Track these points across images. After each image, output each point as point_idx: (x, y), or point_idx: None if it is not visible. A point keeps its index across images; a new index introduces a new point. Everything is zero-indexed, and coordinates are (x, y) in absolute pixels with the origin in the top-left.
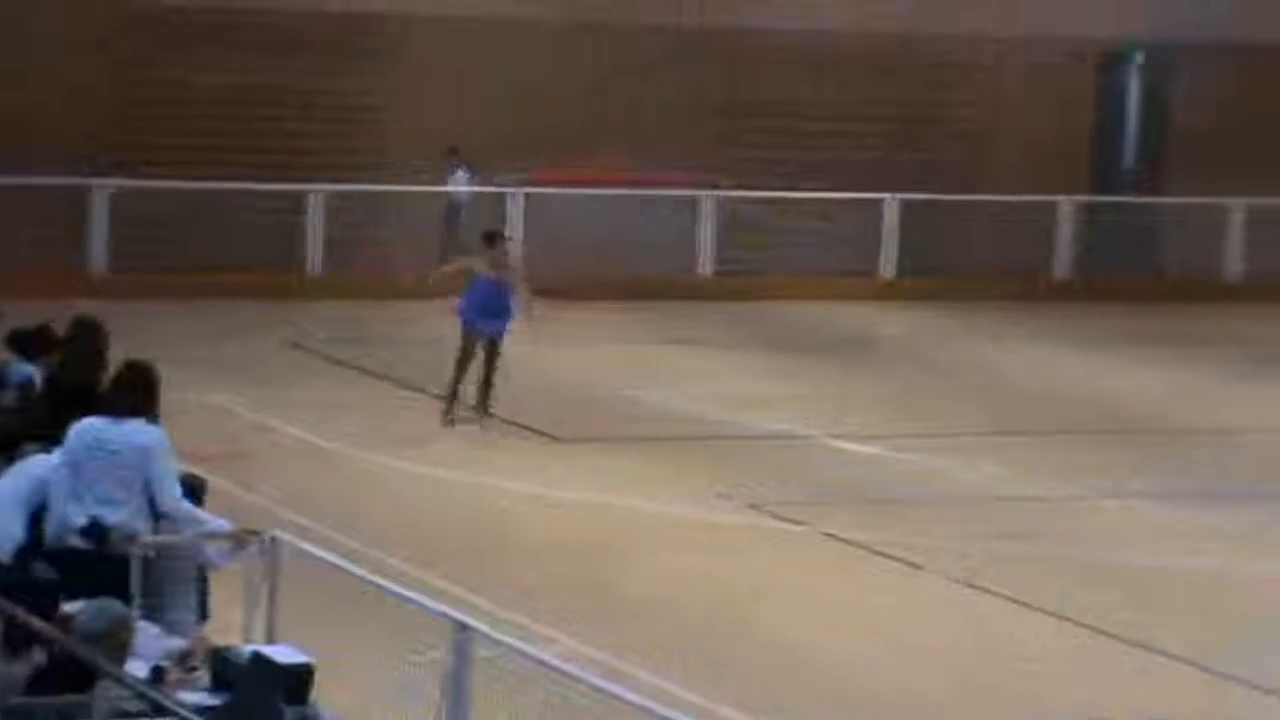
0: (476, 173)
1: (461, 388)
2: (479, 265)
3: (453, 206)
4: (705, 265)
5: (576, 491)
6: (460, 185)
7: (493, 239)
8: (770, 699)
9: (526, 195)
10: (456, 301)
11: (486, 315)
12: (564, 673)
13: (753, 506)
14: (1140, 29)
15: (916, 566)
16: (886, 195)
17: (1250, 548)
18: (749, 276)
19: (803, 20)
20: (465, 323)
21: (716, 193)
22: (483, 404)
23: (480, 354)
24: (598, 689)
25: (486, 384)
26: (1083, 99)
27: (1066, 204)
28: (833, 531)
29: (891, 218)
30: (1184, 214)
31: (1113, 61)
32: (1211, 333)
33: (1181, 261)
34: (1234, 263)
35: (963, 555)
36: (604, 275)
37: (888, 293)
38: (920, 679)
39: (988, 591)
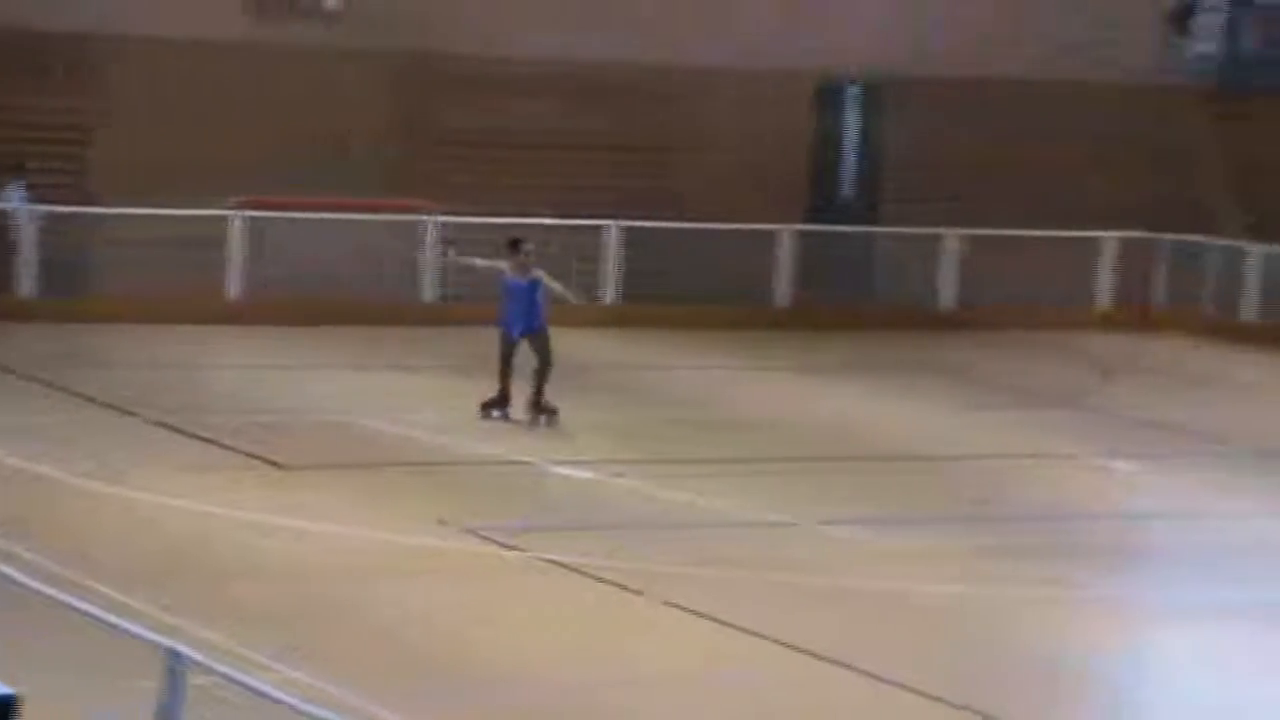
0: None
1: (511, 388)
2: (508, 270)
3: (9, 224)
4: (429, 292)
5: (296, 518)
6: (16, 202)
7: (516, 245)
8: None
9: (247, 219)
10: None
11: (519, 316)
12: (280, 701)
13: (471, 532)
14: (855, 62)
15: (635, 591)
16: (609, 222)
17: (971, 570)
18: (473, 303)
19: (516, 48)
20: (503, 328)
21: (441, 218)
22: (536, 404)
23: (533, 354)
24: (315, 717)
25: (539, 383)
26: (800, 130)
27: (785, 233)
28: (551, 557)
29: (613, 244)
30: (898, 244)
31: (829, 94)
32: (926, 361)
33: (896, 291)
34: (947, 292)
35: (681, 580)
36: (327, 301)
37: (610, 319)
38: (636, 705)
39: (706, 617)
